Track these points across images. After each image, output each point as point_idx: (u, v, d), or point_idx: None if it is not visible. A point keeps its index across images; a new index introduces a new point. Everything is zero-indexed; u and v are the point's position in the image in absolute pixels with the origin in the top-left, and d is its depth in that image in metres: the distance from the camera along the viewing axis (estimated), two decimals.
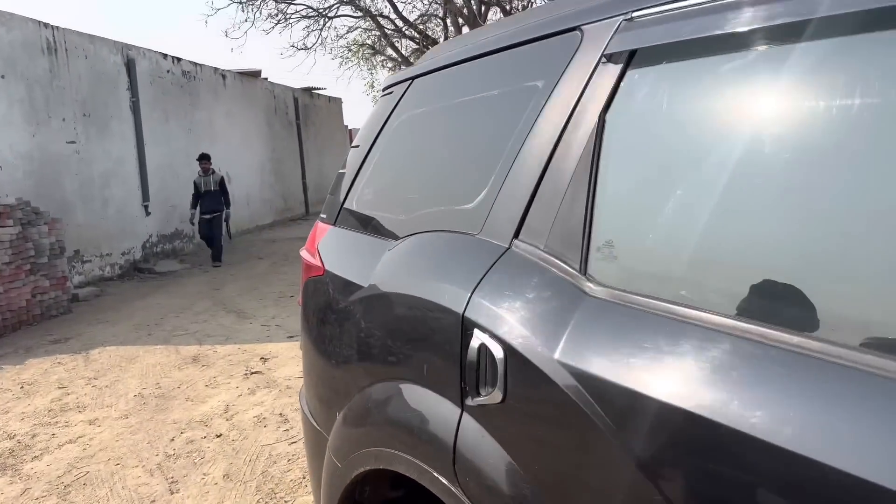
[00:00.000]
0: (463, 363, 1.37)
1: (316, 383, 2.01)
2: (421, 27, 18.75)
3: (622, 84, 1.29)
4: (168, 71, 12.78)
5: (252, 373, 5.62)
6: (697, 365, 0.99)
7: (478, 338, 1.33)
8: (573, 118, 1.36)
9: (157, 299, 8.99)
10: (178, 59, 13.18)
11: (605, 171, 1.27)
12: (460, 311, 1.38)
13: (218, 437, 4.33)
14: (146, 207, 11.72)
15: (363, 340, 1.72)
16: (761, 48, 1.10)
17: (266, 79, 17.39)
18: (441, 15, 18.63)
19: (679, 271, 1.15)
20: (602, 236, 1.25)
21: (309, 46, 18.19)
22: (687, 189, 1.17)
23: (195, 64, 13.82)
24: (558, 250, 1.31)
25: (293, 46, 18.44)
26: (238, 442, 4.22)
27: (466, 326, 1.37)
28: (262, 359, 6.00)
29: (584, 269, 1.25)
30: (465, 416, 1.36)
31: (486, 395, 1.31)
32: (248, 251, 12.77)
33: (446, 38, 18.05)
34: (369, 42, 20.40)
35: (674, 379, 1.01)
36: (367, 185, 1.95)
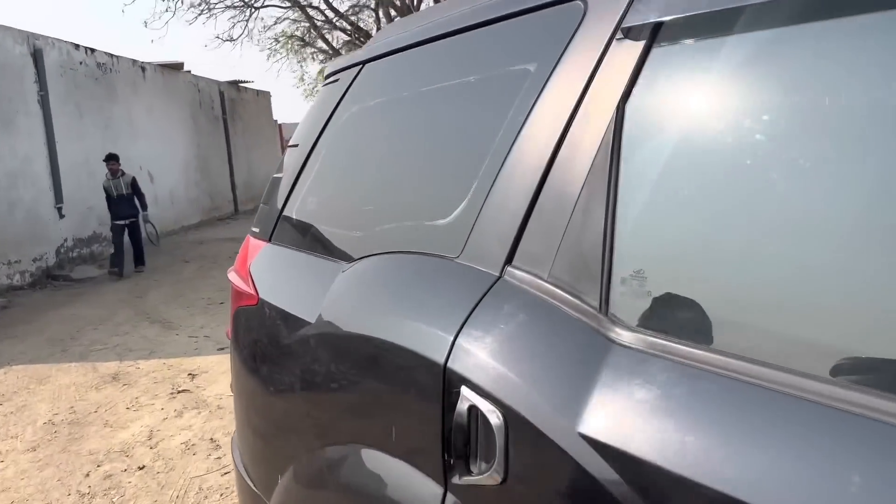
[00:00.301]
0: (446, 429, 1.06)
1: (252, 436, 1.66)
2: (353, 18, 18.26)
3: (646, 66, 1.00)
4: (81, 62, 11.92)
5: (179, 391, 5.15)
6: (797, 453, 0.71)
7: (467, 398, 1.02)
8: (581, 110, 1.06)
9: (72, 309, 8.31)
10: (92, 50, 12.32)
11: (629, 179, 0.98)
12: (441, 361, 1.07)
13: (140, 469, 3.88)
14: (59, 210, 10.88)
15: (312, 390, 1.39)
16: (836, 20, 0.83)
17: (189, 71, 16.57)
18: (373, 6, 18.18)
19: (744, 313, 0.87)
20: (628, 264, 0.96)
21: (235, 38, 17.47)
22: (743, 200, 0.89)
23: (111, 55, 12.96)
24: (568, 281, 1.01)
25: (218, 38, 17.68)
26: (164, 475, 3.78)
27: (450, 381, 1.05)
28: (189, 375, 5.53)
29: (604, 308, 0.96)
30: (451, 498, 1.05)
31: (479, 474, 1.00)
32: (173, 254, 12.08)
33: (379, 29, 17.66)
34: (298, 34, 19.76)
35: (762, 472, 0.73)
36: (310, 193, 1.61)
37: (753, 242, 0.86)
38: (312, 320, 1.37)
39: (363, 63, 1.58)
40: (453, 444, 1.03)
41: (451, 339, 1.07)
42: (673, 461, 0.80)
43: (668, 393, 0.85)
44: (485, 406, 0.99)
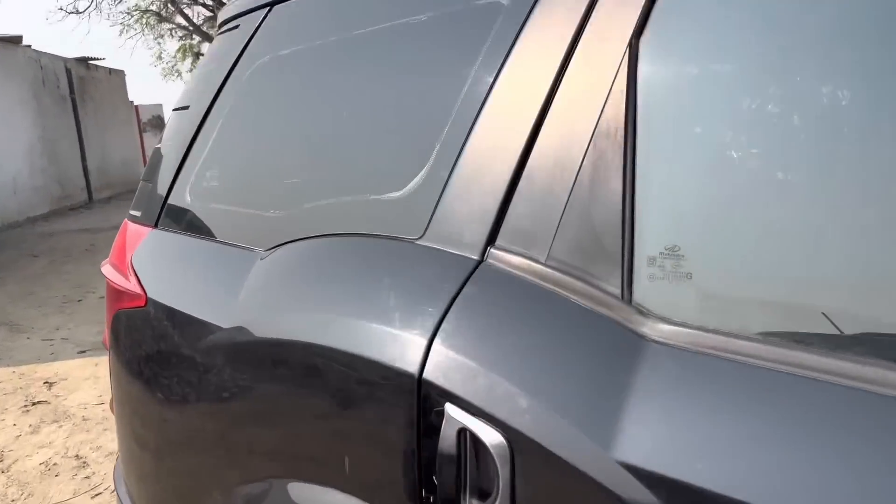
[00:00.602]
0: (424, 457, 0.83)
1: (141, 467, 1.33)
2: None
3: None
4: None
5: (34, 403, 4.53)
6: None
7: (454, 418, 0.79)
8: (579, 50, 0.85)
9: None
10: None
11: (652, 130, 0.78)
12: (413, 372, 0.83)
13: None
14: None
15: (227, 413, 1.10)
16: None
17: (29, 46, 14.94)
18: None
19: (818, 296, 0.69)
20: (658, 238, 0.76)
21: (81, 10, 15.92)
22: (807, 148, 0.71)
23: None
24: (576, 264, 0.80)
25: (62, 10, 16.06)
26: (19, 502, 3.27)
27: (428, 397, 0.82)
28: (46, 384, 4.89)
29: (627, 295, 0.76)
30: None
31: None
32: (18, 248, 10.86)
33: None
34: (154, 8, 18.33)
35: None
36: (207, 166, 1.30)
37: (824, 202, 0.69)
38: (224, 324, 1.08)
39: (271, 4, 1.29)
40: (440, 475, 0.80)
41: (426, 342, 0.83)
42: (753, 494, 0.62)
43: (734, 404, 0.67)
44: (480, 428, 0.77)
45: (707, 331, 0.71)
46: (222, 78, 1.32)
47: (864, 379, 0.62)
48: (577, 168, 0.81)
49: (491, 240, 0.87)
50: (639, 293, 0.76)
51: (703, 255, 0.75)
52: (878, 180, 0.67)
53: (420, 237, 0.93)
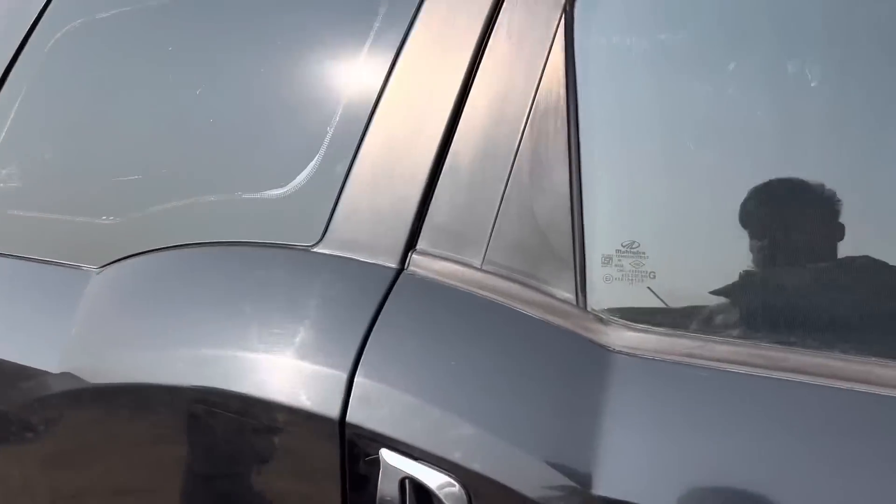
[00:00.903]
0: None
1: None
2: None
3: None
4: None
5: None
6: None
7: (393, 466, 0.64)
8: (504, 11, 0.72)
9: None
10: None
11: (597, 109, 0.69)
12: (334, 415, 0.66)
13: None
14: None
15: (72, 495, 0.84)
16: None
17: None
18: None
19: (790, 295, 0.63)
20: (614, 235, 0.67)
21: None
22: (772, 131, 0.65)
23: None
24: (519, 267, 0.69)
25: None
26: None
27: (355, 444, 0.66)
28: None
29: (583, 301, 0.66)
30: None
31: None
32: None
33: None
34: None
35: None
36: (1, 161, 1.00)
37: (792, 194, 0.64)
38: (51, 369, 0.83)
39: None
40: None
41: (346, 376, 0.67)
42: None
43: (719, 418, 0.59)
44: (427, 474, 0.63)
45: (678, 335, 0.63)
46: (13, 50, 1.02)
47: (854, 378, 0.58)
48: (513, 153, 0.69)
49: (411, 243, 0.72)
50: (596, 297, 0.67)
51: (667, 251, 0.67)
52: (840, 168, 0.63)
53: (317, 243, 0.76)
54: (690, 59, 0.67)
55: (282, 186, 0.80)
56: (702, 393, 0.61)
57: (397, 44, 0.77)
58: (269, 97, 0.86)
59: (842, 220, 0.61)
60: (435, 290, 0.70)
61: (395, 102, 0.75)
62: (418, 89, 0.75)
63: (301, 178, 0.79)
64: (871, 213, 0.62)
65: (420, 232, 0.72)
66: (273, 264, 0.78)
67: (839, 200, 0.61)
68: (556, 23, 0.70)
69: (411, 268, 0.72)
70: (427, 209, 0.72)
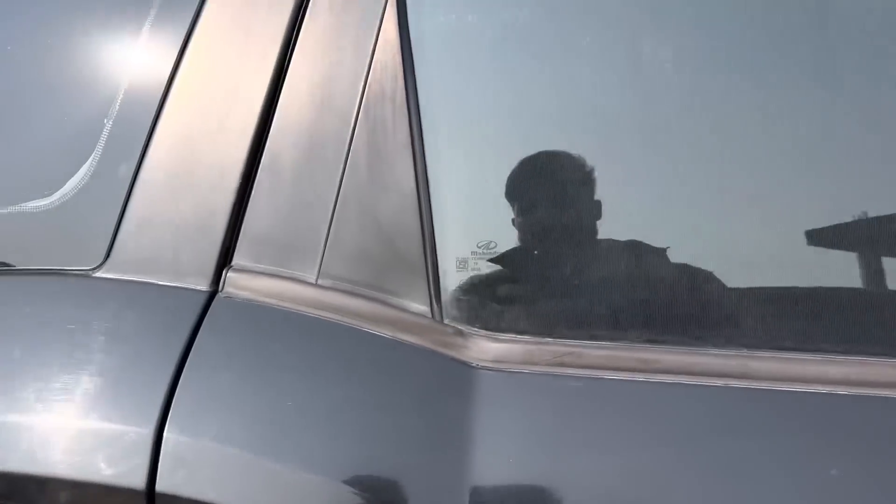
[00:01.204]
0: None
1: None
2: None
3: None
4: None
5: None
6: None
7: None
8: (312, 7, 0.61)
9: None
10: None
11: (438, 95, 0.60)
12: (138, 485, 0.51)
13: None
14: None
15: None
16: None
17: None
18: None
19: (656, 291, 0.59)
20: (467, 236, 0.59)
21: None
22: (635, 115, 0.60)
23: None
24: (362, 279, 0.58)
25: None
26: None
27: None
28: None
29: (438, 313, 0.58)
30: None
31: None
32: None
33: None
34: None
35: None
36: None
37: (660, 178, 0.59)
38: None
39: None
40: None
41: (152, 434, 0.52)
42: None
43: (602, 431, 0.53)
44: None
45: (545, 343, 0.57)
46: None
47: (728, 373, 0.54)
48: (346, 147, 0.58)
49: (224, 259, 0.59)
50: (453, 308, 0.58)
51: (528, 250, 0.59)
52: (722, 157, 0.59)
53: (99, 266, 0.59)
54: (539, 37, 0.61)
55: (46, 196, 0.62)
56: (575, 406, 0.54)
57: (189, 16, 0.62)
58: (25, 82, 0.67)
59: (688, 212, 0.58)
60: (259, 314, 0.57)
61: (190, 88, 0.61)
62: (220, 72, 0.61)
63: (72, 184, 0.61)
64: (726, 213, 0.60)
65: (235, 246, 0.59)
66: (44, 296, 0.60)
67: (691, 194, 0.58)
68: (384, 4, 0.60)
69: (227, 289, 0.58)
70: (242, 218, 0.59)
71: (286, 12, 0.62)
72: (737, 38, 0.58)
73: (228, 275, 0.58)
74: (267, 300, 0.57)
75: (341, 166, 0.58)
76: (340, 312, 0.57)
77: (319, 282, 0.58)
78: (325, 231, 0.58)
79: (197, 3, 0.63)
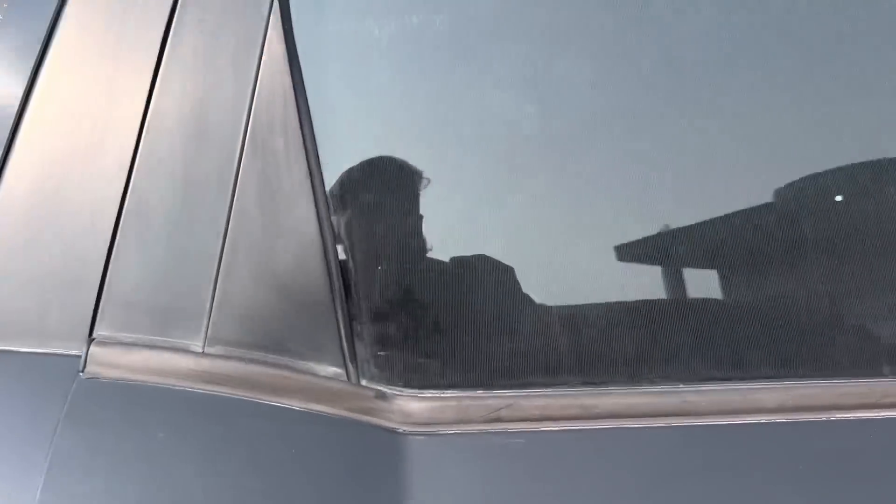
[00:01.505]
0: None
1: None
2: None
3: None
4: None
5: None
6: None
7: None
8: (179, 15, 0.51)
9: None
10: None
11: (337, 114, 0.52)
12: None
13: None
14: None
15: None
16: None
17: None
18: None
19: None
20: (382, 283, 0.51)
21: None
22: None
23: None
24: (261, 341, 0.49)
25: None
26: None
27: None
28: None
29: (353, 372, 0.50)
30: None
31: None
32: None
33: None
34: None
35: None
36: None
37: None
38: None
39: None
40: None
41: None
42: None
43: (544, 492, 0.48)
44: None
45: (476, 398, 0.50)
46: None
47: (667, 412, 0.51)
48: (230, 188, 0.49)
49: (90, 328, 0.47)
50: (370, 366, 0.50)
51: (440, 287, 0.53)
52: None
53: None
54: (447, 46, 0.54)
55: None
56: (519, 468, 0.48)
57: (41, 33, 0.50)
58: None
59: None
60: (132, 397, 0.46)
61: (49, 114, 0.49)
62: (86, 97, 0.50)
63: None
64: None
65: (99, 309, 0.48)
66: None
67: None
68: (269, 4, 0.51)
69: (91, 368, 0.47)
70: (107, 272, 0.48)
71: (158, 27, 0.51)
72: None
73: (91, 349, 0.47)
74: (142, 378, 0.47)
75: (226, 209, 0.49)
76: (236, 385, 0.47)
77: (207, 350, 0.48)
78: (211, 287, 0.48)
79: (50, 18, 0.51)
